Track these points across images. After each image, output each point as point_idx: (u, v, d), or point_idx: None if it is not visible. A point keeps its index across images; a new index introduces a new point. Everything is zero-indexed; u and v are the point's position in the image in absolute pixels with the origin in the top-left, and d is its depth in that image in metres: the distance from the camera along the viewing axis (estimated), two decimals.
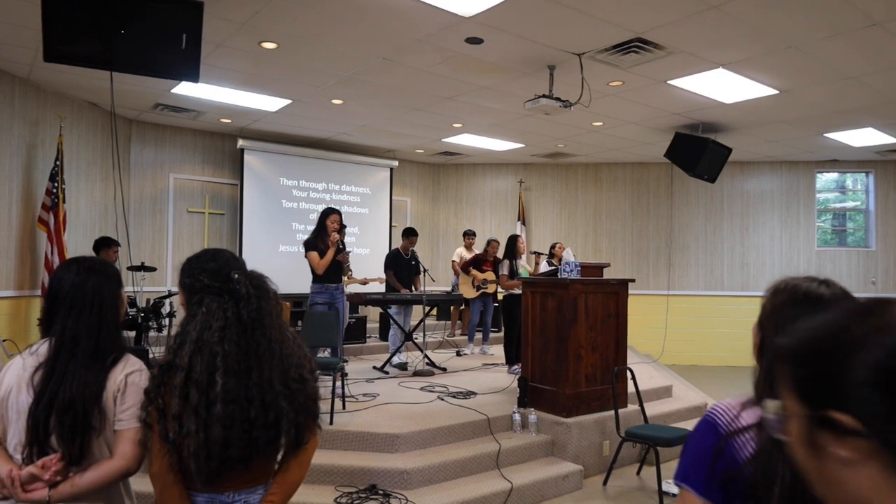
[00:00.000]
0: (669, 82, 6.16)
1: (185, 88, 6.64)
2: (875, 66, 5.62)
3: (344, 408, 4.95)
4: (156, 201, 8.52)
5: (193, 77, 4.30)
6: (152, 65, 4.22)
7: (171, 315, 6.72)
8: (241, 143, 8.83)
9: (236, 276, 1.72)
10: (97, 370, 1.78)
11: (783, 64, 5.61)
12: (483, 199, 11.23)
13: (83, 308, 1.79)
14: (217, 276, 1.71)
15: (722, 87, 6.25)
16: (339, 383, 4.94)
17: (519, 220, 10.75)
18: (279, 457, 1.74)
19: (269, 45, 5.40)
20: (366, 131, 8.73)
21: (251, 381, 1.64)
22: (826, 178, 10.84)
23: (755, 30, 4.88)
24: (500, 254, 8.21)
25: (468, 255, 8.44)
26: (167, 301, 6.77)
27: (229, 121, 8.24)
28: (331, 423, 4.55)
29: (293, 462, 1.72)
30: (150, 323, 6.32)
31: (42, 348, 1.81)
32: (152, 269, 7.12)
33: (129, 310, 6.07)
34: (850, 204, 10.92)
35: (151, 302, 6.72)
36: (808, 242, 10.48)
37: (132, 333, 6.28)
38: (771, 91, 6.35)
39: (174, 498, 1.64)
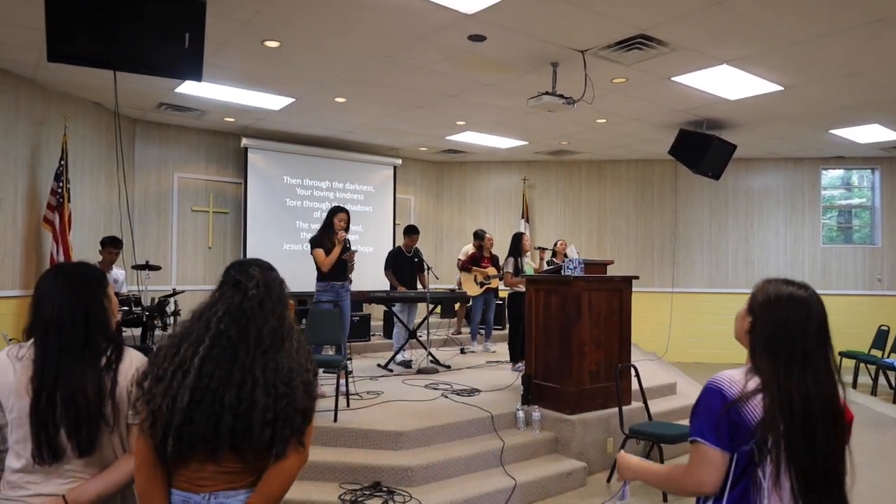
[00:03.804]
0: (673, 79, 6.14)
1: (188, 87, 6.65)
2: (880, 61, 5.58)
3: (348, 405, 4.96)
4: (160, 200, 8.55)
5: (196, 76, 4.30)
6: (155, 64, 4.22)
7: (175, 314, 6.75)
8: (244, 141, 8.84)
9: (251, 270, 1.81)
10: (94, 364, 1.81)
11: (787, 60, 5.58)
12: (487, 197, 11.22)
13: (65, 308, 1.82)
14: (242, 271, 1.81)
15: (726, 83, 6.23)
16: (343, 381, 4.95)
17: (523, 217, 10.74)
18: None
19: (272, 44, 5.41)
20: (369, 129, 8.74)
21: (235, 365, 1.66)
22: (831, 175, 10.80)
23: (759, 26, 4.86)
24: (496, 250, 8.24)
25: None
26: (172, 299, 6.79)
27: (233, 120, 8.26)
28: (335, 420, 4.57)
29: (272, 473, 1.67)
30: (155, 321, 6.34)
31: (29, 353, 1.82)
32: (157, 268, 7.14)
33: (134, 308, 6.10)
34: (855, 201, 10.87)
35: (156, 300, 6.75)
36: (814, 240, 10.44)
37: (138, 331, 6.30)
38: (776, 87, 6.32)
39: (153, 483, 1.67)
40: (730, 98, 6.73)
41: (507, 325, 7.29)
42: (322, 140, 9.39)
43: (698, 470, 1.62)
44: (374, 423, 4.58)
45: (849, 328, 9.60)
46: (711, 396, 1.62)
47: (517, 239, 7.14)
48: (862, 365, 8.27)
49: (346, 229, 5.86)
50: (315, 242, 5.82)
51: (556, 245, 7.91)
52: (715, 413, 1.59)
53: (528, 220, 10.75)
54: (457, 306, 9.18)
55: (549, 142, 9.43)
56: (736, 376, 1.64)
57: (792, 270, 10.28)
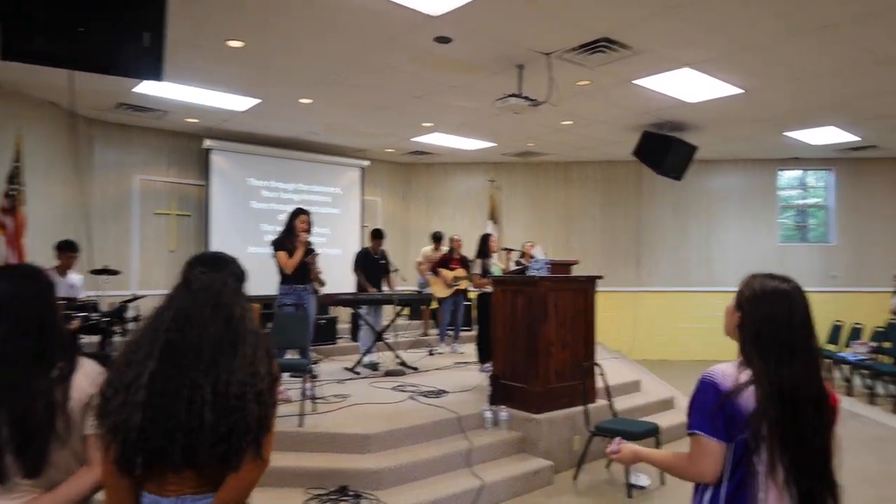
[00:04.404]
0: (635, 82, 6.25)
1: (148, 87, 6.51)
2: (834, 66, 5.77)
3: (314, 409, 4.92)
4: (120, 203, 8.34)
5: (156, 76, 4.19)
6: (114, 63, 4.11)
7: (136, 319, 6.59)
8: (207, 143, 8.69)
9: (196, 270, 1.72)
10: (46, 378, 1.71)
11: (745, 63, 5.73)
12: (454, 199, 11.24)
13: (20, 316, 1.72)
14: (192, 270, 1.73)
15: (687, 86, 6.36)
16: (308, 385, 4.90)
17: (490, 219, 10.78)
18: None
19: (236, 44, 5.34)
20: (335, 131, 8.68)
21: (184, 379, 1.59)
22: (788, 176, 11.12)
23: (718, 30, 4.98)
24: (466, 251, 8.25)
25: (434, 255, 8.48)
26: (132, 305, 6.63)
27: (197, 121, 8.11)
28: (300, 425, 4.51)
29: (230, 482, 1.63)
30: (115, 328, 6.18)
31: None
32: (116, 273, 6.96)
33: (91, 314, 5.94)
34: (811, 201, 11.22)
35: (116, 306, 6.58)
36: (771, 239, 10.74)
37: (96, 338, 6.13)
38: (735, 90, 6.48)
39: (119, 492, 1.62)
40: (690, 101, 6.87)
41: (477, 326, 7.31)
42: (288, 141, 9.29)
43: (699, 460, 1.70)
44: (340, 426, 4.54)
45: None
46: (706, 390, 1.70)
47: (484, 240, 7.18)
48: None
49: (308, 231, 5.81)
50: (277, 245, 5.76)
51: (524, 246, 7.97)
52: (710, 406, 1.67)
53: (495, 222, 10.80)
54: (422, 308, 9.18)
55: (516, 143, 9.50)
56: (728, 370, 1.71)
57: (751, 269, 10.47)
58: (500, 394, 5.23)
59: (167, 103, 7.22)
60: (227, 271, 1.77)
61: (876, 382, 7.63)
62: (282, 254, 5.70)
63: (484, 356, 6.76)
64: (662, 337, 10.61)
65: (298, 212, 5.88)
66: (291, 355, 6.03)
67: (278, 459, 3.95)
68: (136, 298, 6.82)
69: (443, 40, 5.20)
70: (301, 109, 7.50)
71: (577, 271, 5.89)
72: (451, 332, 8.39)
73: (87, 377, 1.76)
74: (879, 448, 5.60)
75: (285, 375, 5.66)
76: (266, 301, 7.78)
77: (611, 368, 5.92)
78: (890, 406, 7.05)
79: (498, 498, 4.29)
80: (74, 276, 6.20)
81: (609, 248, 10.92)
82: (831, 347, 8.60)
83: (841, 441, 1.72)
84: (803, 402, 1.64)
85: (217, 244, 8.66)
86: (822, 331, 9.43)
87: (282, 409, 4.74)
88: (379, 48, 5.41)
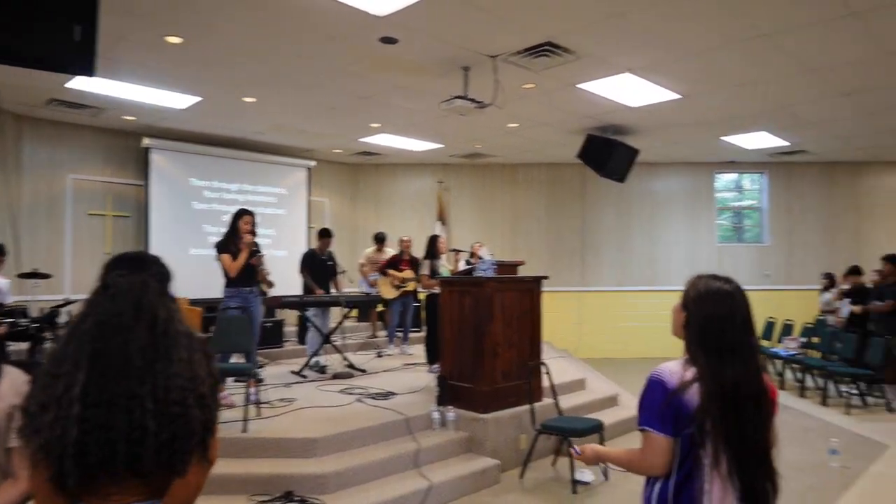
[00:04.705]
0: (579, 86, 6.37)
1: (81, 83, 6.25)
2: (767, 73, 6.03)
3: (259, 414, 4.81)
4: (52, 204, 7.97)
5: (88, 71, 4.02)
6: (41, 58, 3.92)
7: (69, 325, 6.31)
8: (146, 141, 8.40)
9: (115, 273, 1.66)
10: None
11: (683, 70, 5.93)
12: (403, 200, 11.22)
13: None
14: (111, 272, 1.66)
15: (629, 91, 6.53)
16: (252, 389, 4.79)
17: (438, 220, 10.80)
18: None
19: (175, 40, 5.18)
20: (280, 130, 8.53)
21: (119, 387, 1.51)
22: (725, 179, 11.57)
23: (657, 37, 5.13)
24: (414, 252, 8.25)
25: (376, 256, 8.45)
26: (64, 310, 6.35)
27: (134, 118, 7.82)
28: (244, 430, 4.41)
29: (177, 487, 1.58)
30: (45, 334, 5.90)
31: None
32: (46, 276, 6.65)
33: (19, 320, 5.66)
34: (746, 203, 11.70)
35: (47, 311, 6.29)
36: (710, 239, 11.14)
37: (24, 345, 5.85)
38: (673, 95, 6.69)
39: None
40: (632, 105, 7.06)
41: (426, 327, 7.31)
42: (231, 141, 9.07)
43: (649, 455, 1.79)
44: (286, 430, 4.47)
45: None
46: (654, 388, 1.79)
47: (433, 241, 7.19)
48: None
49: (253, 232, 5.69)
50: (221, 247, 5.62)
51: (472, 247, 8.02)
52: (658, 403, 1.76)
53: (443, 223, 10.82)
54: (370, 310, 9.12)
55: (463, 145, 9.55)
56: (675, 368, 1.80)
57: (691, 269, 10.87)
58: (447, 394, 5.25)
59: (102, 100, 6.94)
60: (149, 272, 1.69)
61: (805, 376, 8.01)
62: (226, 256, 5.57)
63: (432, 357, 6.77)
64: (607, 336, 10.86)
65: (242, 212, 5.76)
66: (237, 359, 5.89)
67: (221, 466, 3.82)
68: (68, 303, 6.53)
69: (388, 41, 5.18)
70: (245, 108, 7.34)
71: (523, 272, 5.97)
72: (399, 334, 8.37)
73: (12, 386, 1.68)
74: (808, 439, 5.89)
75: (229, 380, 5.53)
76: (211, 304, 7.58)
77: (557, 367, 6.02)
78: (818, 399, 7.40)
79: (445, 498, 4.30)
80: (1, 281, 5.89)
81: (554, 249, 11.11)
82: (764, 343, 8.99)
83: (778, 432, 1.82)
84: (744, 400, 1.73)
85: (157, 246, 8.38)
86: (756, 327, 9.98)
87: (225, 415, 4.63)
88: (324, 47, 5.35)
